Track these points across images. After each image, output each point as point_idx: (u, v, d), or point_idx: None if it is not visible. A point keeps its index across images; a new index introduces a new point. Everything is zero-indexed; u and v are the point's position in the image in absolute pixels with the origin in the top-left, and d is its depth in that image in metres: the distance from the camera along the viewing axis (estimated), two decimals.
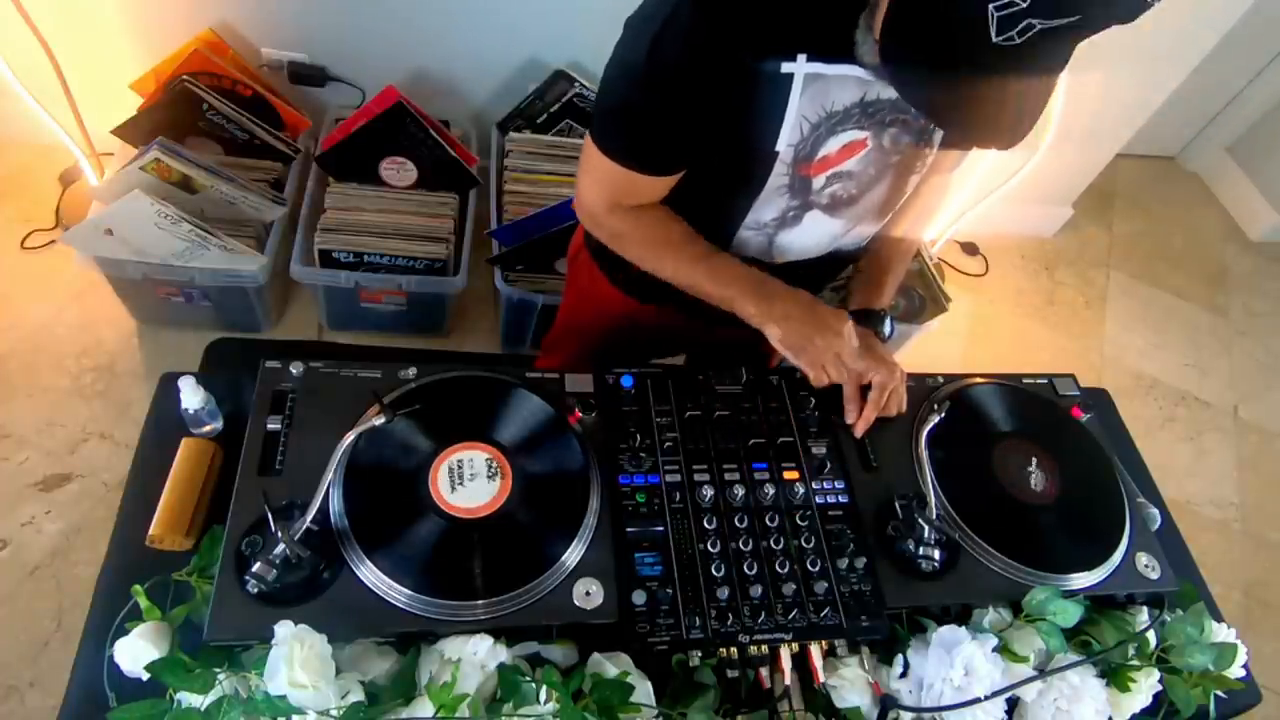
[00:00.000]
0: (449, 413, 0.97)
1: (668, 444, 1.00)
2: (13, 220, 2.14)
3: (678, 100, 0.85)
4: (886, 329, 1.14)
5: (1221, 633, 0.98)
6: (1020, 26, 0.62)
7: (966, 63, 0.67)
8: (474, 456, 0.93)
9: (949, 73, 0.69)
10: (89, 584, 0.88)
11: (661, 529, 0.93)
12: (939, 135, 0.94)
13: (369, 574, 0.83)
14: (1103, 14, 0.61)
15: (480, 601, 0.83)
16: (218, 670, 0.77)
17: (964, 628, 0.90)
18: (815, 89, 0.84)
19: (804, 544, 0.94)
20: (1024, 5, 0.61)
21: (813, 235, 1.03)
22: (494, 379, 1.02)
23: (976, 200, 2.38)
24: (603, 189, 0.98)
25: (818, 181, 0.94)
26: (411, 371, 1.01)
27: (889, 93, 0.86)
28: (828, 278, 1.22)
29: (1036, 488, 1.05)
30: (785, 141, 0.88)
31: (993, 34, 0.63)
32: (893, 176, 0.97)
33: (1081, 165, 2.68)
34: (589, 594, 0.86)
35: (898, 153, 0.94)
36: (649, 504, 0.95)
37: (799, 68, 0.82)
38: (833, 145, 0.90)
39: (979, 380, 1.17)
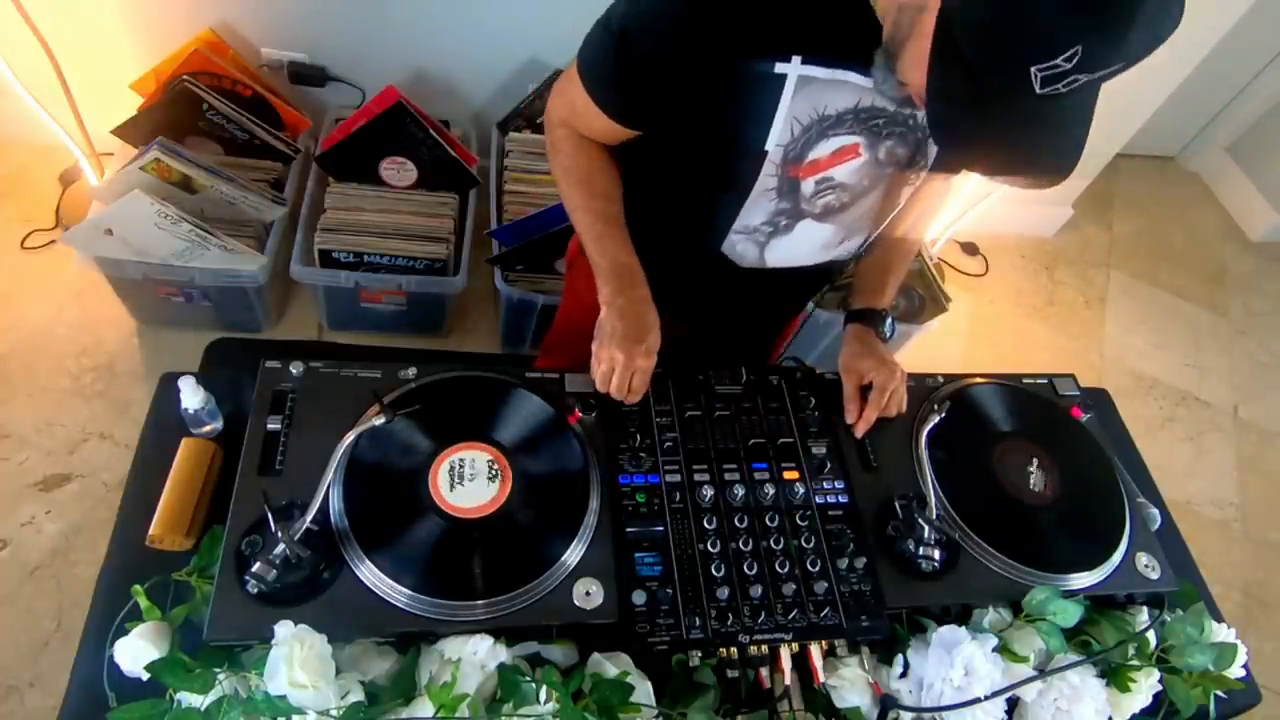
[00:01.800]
0: (449, 413, 0.97)
1: (668, 444, 1.00)
2: (13, 220, 2.14)
3: (658, 60, 0.85)
4: (887, 329, 1.14)
5: (1221, 633, 0.98)
6: (1065, 81, 0.62)
7: (1011, 118, 0.68)
8: (474, 456, 0.93)
9: (995, 129, 0.69)
10: (89, 584, 0.88)
11: (661, 529, 0.93)
12: (934, 150, 0.94)
13: (369, 574, 0.83)
14: (1143, 50, 0.62)
15: (480, 601, 0.83)
16: (218, 670, 0.77)
17: (964, 628, 0.90)
18: (809, 91, 0.84)
19: (804, 544, 0.94)
20: (1069, 66, 0.61)
21: (805, 243, 1.03)
22: (494, 379, 1.02)
23: (976, 200, 2.38)
24: (563, 100, 0.99)
25: (807, 186, 0.94)
26: (411, 371, 1.01)
27: (884, 101, 0.86)
28: (820, 285, 1.22)
29: (1036, 488, 1.05)
30: (774, 141, 0.88)
31: (1036, 88, 0.63)
32: (885, 187, 0.98)
33: (1081, 165, 2.65)
34: (589, 594, 0.86)
35: (893, 164, 0.94)
36: (649, 504, 0.95)
37: (792, 69, 0.82)
38: (824, 149, 0.90)
39: (979, 380, 1.17)
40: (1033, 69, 0.62)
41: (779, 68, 0.82)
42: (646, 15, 0.84)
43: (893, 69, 0.77)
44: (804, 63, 0.82)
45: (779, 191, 0.94)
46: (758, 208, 0.97)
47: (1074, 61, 0.60)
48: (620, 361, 0.96)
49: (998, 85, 0.65)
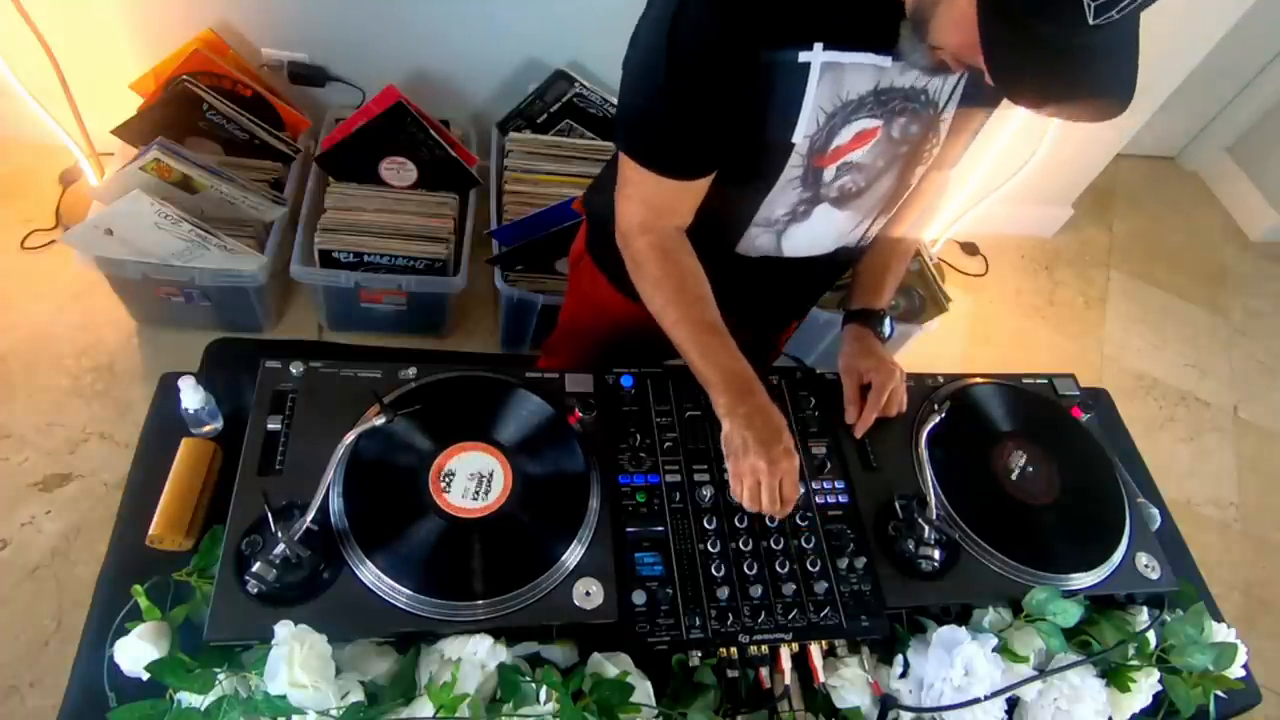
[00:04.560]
0: (449, 413, 0.97)
1: (668, 444, 1.00)
2: (13, 220, 2.14)
3: (701, 96, 0.84)
4: (886, 329, 1.14)
5: (1221, 633, 0.98)
6: (1120, 6, 0.63)
7: (1068, 52, 0.68)
8: (474, 456, 0.93)
9: (1053, 68, 0.69)
10: (89, 584, 0.88)
11: (661, 529, 0.93)
12: (945, 126, 0.94)
13: (369, 574, 0.83)
14: None
15: (480, 601, 0.83)
16: (218, 670, 0.77)
17: (964, 628, 0.90)
18: (831, 78, 0.84)
19: (804, 544, 0.94)
20: None
21: (821, 229, 1.03)
22: (494, 379, 1.02)
23: (976, 200, 2.39)
24: (637, 205, 0.96)
25: (828, 173, 0.94)
26: (411, 371, 1.01)
27: (902, 80, 0.86)
28: (834, 276, 1.22)
29: (1036, 488, 1.05)
30: (802, 133, 0.87)
31: (1090, 20, 0.63)
32: (900, 168, 0.97)
33: (1081, 165, 2.68)
34: (589, 594, 0.86)
35: (906, 143, 0.94)
36: (649, 504, 0.95)
37: (815, 57, 0.82)
38: (845, 135, 0.90)
39: (979, 380, 1.17)
40: (1086, 1, 0.62)
41: (803, 57, 0.82)
42: (680, 42, 0.81)
43: (923, 36, 0.77)
44: (826, 49, 0.82)
45: (803, 181, 0.94)
46: (781, 199, 0.97)
47: None
48: (764, 470, 0.90)
49: (1051, 23, 0.66)
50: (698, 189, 0.95)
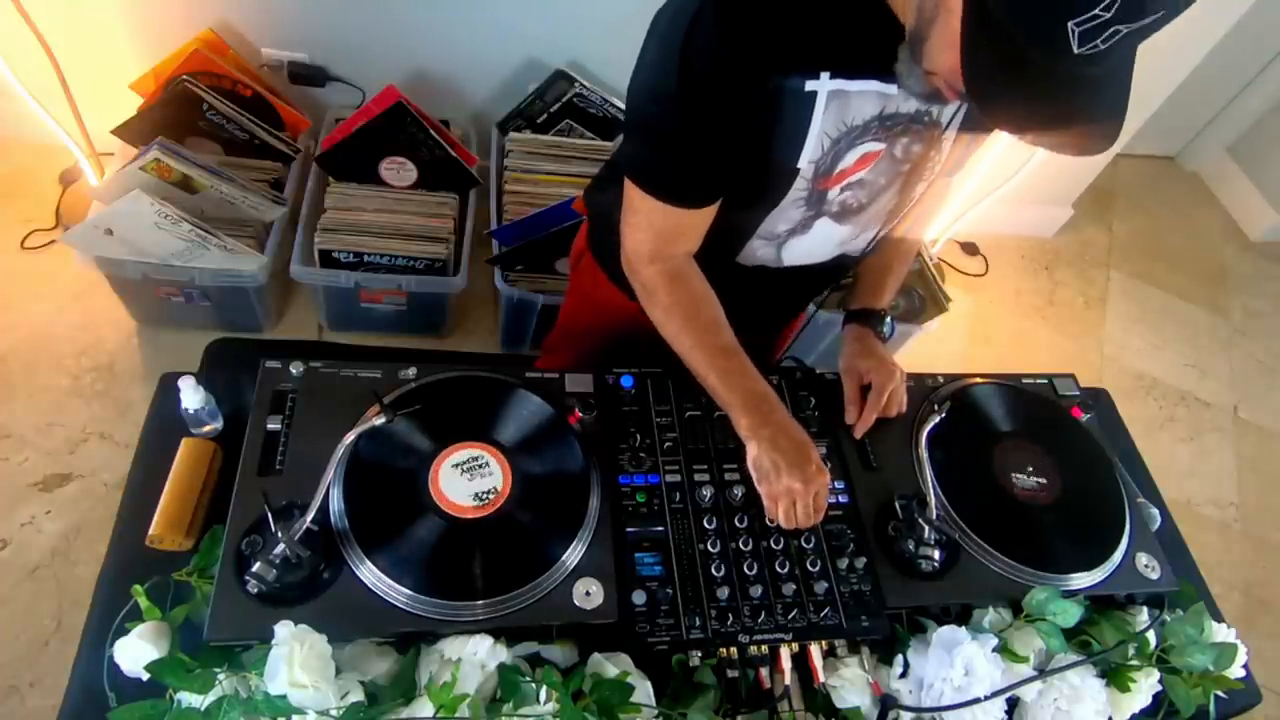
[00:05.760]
0: (449, 413, 0.97)
1: (668, 444, 1.01)
2: (13, 220, 2.14)
3: (711, 123, 0.84)
4: (886, 329, 1.14)
5: (1221, 633, 0.98)
6: (1105, 35, 0.61)
7: (1052, 80, 0.66)
8: (474, 457, 0.93)
9: (1036, 98, 0.68)
10: (89, 584, 0.88)
11: (661, 529, 0.93)
12: (948, 144, 0.94)
13: (369, 574, 0.83)
14: (1184, 2, 0.60)
15: (480, 601, 0.83)
16: (218, 670, 0.77)
17: (964, 628, 0.90)
18: (837, 105, 0.84)
19: (804, 544, 0.94)
20: (1108, 15, 0.59)
21: (820, 241, 1.03)
22: (494, 379, 1.02)
23: (976, 200, 2.38)
24: (645, 234, 0.96)
25: (832, 192, 0.94)
26: (411, 371, 1.01)
27: (907, 105, 0.86)
28: (831, 281, 1.22)
29: (1036, 488, 1.05)
30: (807, 159, 0.88)
31: (1074, 48, 0.62)
32: (902, 184, 0.98)
33: (1081, 165, 2.68)
34: (589, 594, 0.86)
35: (908, 161, 0.94)
36: (649, 504, 0.95)
37: (823, 85, 0.82)
38: (850, 159, 0.90)
39: (979, 380, 1.17)
40: (1070, 24, 0.60)
41: (809, 85, 0.82)
42: (687, 89, 0.81)
43: (918, 60, 0.76)
44: (832, 77, 0.82)
45: (807, 201, 0.95)
46: (784, 216, 0.97)
47: (1113, 10, 0.59)
48: (800, 491, 0.91)
49: (1034, 48, 0.64)
50: (706, 216, 0.95)
